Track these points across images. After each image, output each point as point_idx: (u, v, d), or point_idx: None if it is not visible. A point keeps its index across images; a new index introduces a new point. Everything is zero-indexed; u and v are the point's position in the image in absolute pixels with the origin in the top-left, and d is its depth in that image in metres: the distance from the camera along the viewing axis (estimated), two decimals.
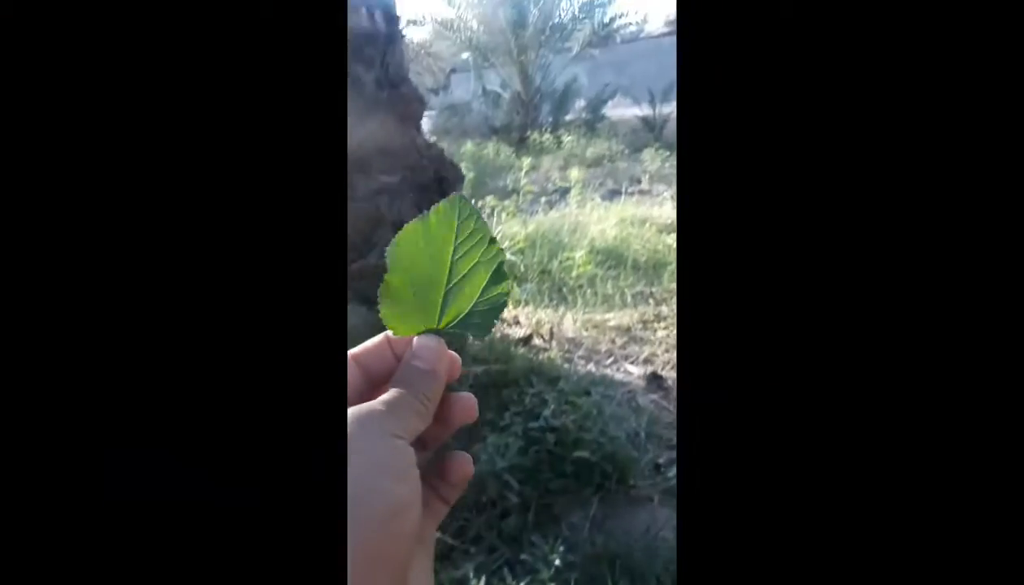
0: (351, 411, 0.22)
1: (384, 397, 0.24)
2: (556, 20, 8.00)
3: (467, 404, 0.27)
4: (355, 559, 0.19)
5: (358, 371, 0.26)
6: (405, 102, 1.44)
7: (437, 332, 0.28)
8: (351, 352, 0.27)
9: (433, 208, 0.28)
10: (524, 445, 1.27)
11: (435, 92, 8.18)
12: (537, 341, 1.99)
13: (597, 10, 8.04)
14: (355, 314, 1.36)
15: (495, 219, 3.28)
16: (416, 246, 0.28)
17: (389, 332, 0.28)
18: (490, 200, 3.60)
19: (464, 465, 0.26)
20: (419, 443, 0.25)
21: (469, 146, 6.46)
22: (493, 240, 0.28)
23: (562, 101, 8.27)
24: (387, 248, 0.27)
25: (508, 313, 2.25)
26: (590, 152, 6.21)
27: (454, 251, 0.28)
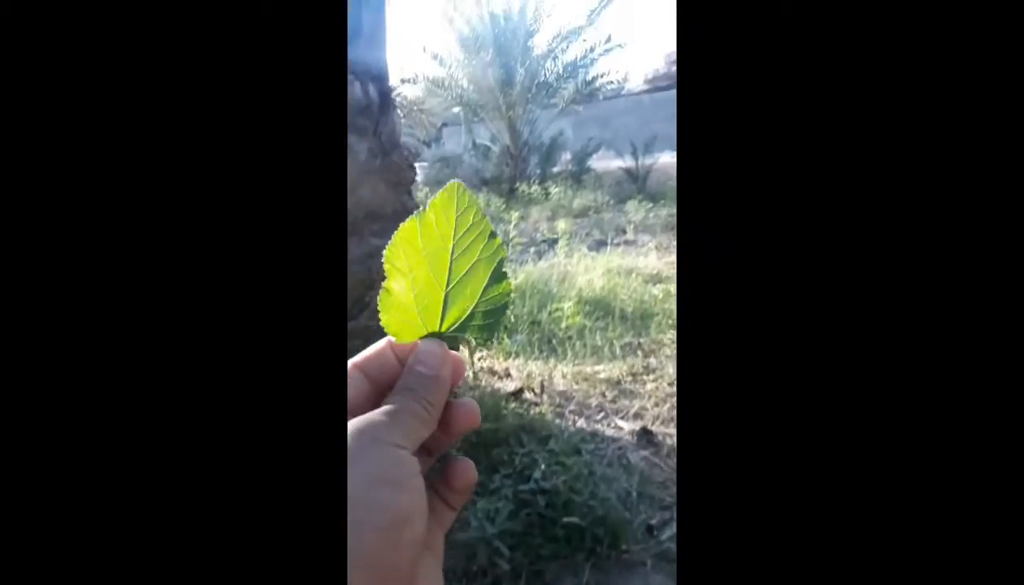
0: (353, 422, 0.22)
1: (386, 406, 0.24)
2: (542, 78, 8.43)
3: (469, 410, 0.27)
4: (361, 570, 0.19)
5: (362, 379, 0.26)
6: (397, 169, 1.50)
7: (440, 336, 0.27)
8: (354, 360, 0.26)
9: (431, 201, 0.26)
10: (514, 509, 1.25)
11: (427, 145, 8.46)
12: (528, 395, 1.99)
13: (580, 69, 8.50)
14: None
15: None
16: (413, 246, 0.26)
17: (391, 337, 0.27)
18: None
19: (467, 471, 0.26)
20: (424, 450, 0.25)
21: None
22: (493, 234, 0.27)
23: (549, 154, 8.58)
24: (384, 251, 0.26)
25: (499, 365, 2.26)
26: (576, 203, 6.40)
27: (453, 248, 0.26)
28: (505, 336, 2.52)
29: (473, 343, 0.28)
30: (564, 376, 2.13)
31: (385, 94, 1.59)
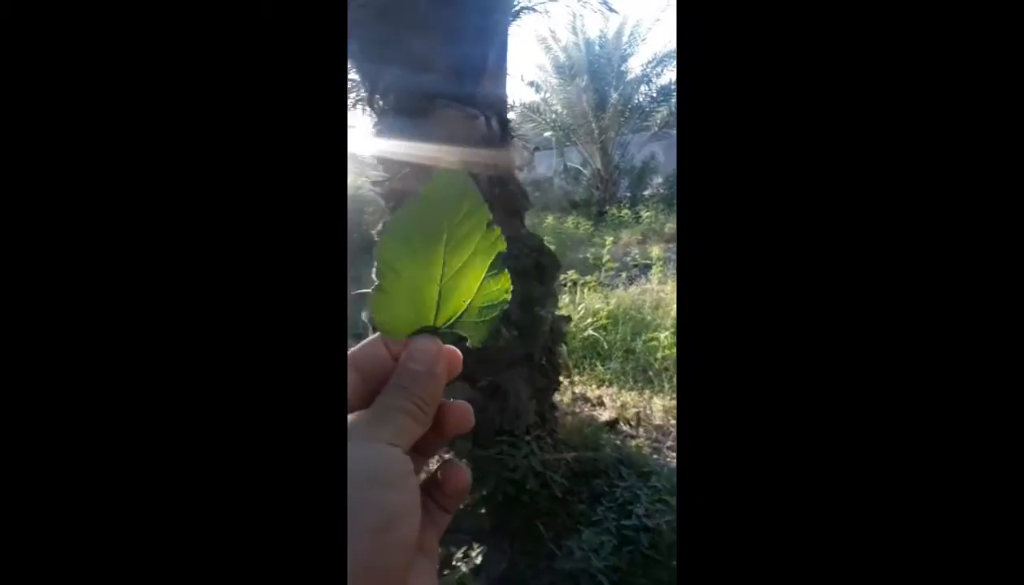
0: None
1: (377, 403, 0.23)
2: (635, 102, 8.37)
3: (462, 412, 0.26)
4: (352, 571, 0.18)
5: (354, 375, 0.25)
6: (512, 198, 1.57)
7: (435, 332, 0.26)
8: (347, 357, 0.25)
9: (427, 185, 0.25)
10: (617, 544, 1.23)
11: (520, 169, 8.70)
12: (624, 427, 1.95)
13: (674, 93, 8.34)
14: (459, 391, 1.43)
15: (577, 293, 3.34)
16: (405, 238, 0.25)
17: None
18: (571, 274, 3.69)
19: (460, 475, 0.25)
20: (418, 452, 0.24)
21: (550, 219, 6.72)
22: (491, 224, 0.25)
23: (640, 177, 8.46)
24: (375, 246, 0.26)
25: (592, 393, 2.24)
26: (668, 227, 6.21)
27: (447, 239, 0.25)
28: (599, 362, 2.50)
29: (468, 341, 0.26)
30: (662, 410, 2.06)
31: (504, 126, 1.68)
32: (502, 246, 0.25)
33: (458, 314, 0.26)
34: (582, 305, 3.05)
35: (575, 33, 8.32)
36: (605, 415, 2.02)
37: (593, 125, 8.33)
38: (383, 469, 0.21)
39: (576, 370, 2.46)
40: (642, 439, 1.83)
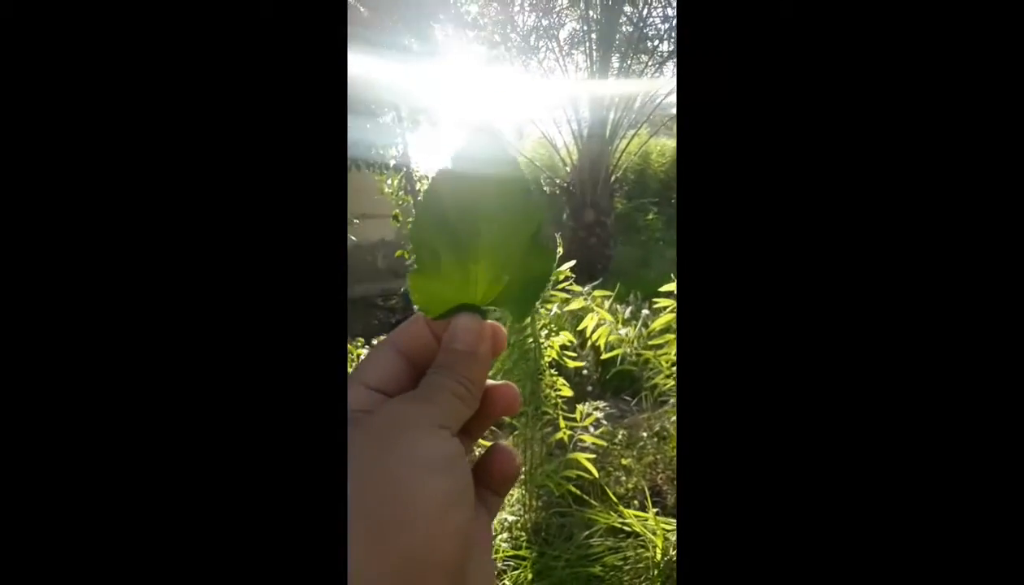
0: (388, 405, 0.22)
1: (422, 386, 0.23)
2: None
3: (508, 394, 0.25)
4: (404, 563, 0.18)
5: (399, 358, 0.24)
6: None
7: (476, 309, 0.24)
8: (389, 338, 0.25)
9: (454, 151, 0.23)
10: None
11: None
12: None
13: None
14: None
15: None
16: (439, 211, 0.23)
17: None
18: None
19: (508, 459, 0.24)
20: (465, 433, 0.24)
21: None
22: (530, 192, 0.23)
23: None
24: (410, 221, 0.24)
25: None
26: None
27: (483, 208, 0.23)
28: None
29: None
30: None
31: None
32: (542, 215, 0.24)
33: (500, 289, 0.24)
34: None
35: None
36: None
37: None
38: (432, 454, 0.20)
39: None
40: None
